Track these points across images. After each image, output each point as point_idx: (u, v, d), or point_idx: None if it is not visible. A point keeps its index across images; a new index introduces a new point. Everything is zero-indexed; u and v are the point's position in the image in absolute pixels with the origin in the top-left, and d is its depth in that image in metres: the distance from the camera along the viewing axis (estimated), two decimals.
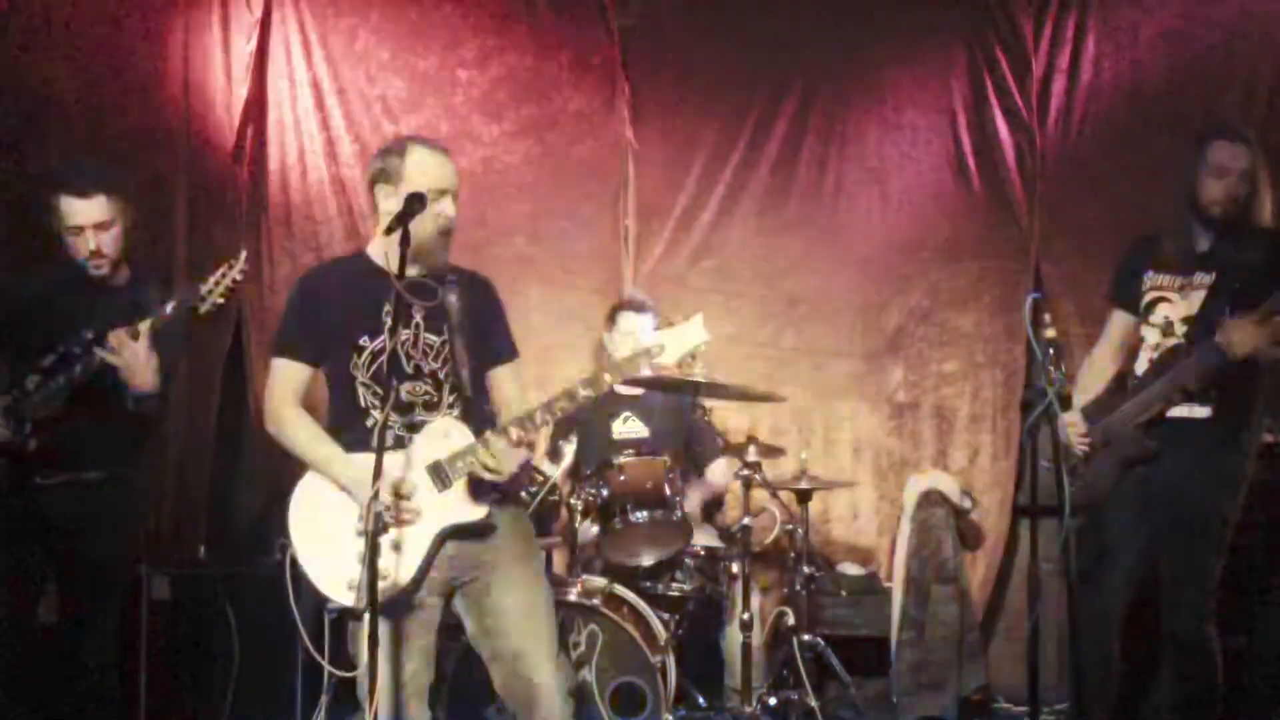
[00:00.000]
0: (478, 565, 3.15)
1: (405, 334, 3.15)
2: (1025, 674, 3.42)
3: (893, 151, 5.69)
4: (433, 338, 3.18)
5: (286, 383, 3.20)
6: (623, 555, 4.40)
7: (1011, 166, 5.55)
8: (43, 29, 5.26)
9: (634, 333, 4.89)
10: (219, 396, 5.56)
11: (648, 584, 4.46)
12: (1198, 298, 3.77)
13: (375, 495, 2.79)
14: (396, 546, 3.01)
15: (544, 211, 5.77)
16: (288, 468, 5.51)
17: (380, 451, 2.85)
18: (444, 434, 3.11)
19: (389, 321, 3.09)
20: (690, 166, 5.75)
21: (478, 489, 3.10)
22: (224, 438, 5.68)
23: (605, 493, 4.32)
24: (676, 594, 4.51)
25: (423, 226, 3.06)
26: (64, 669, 3.81)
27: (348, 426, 3.17)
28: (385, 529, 2.84)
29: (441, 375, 3.18)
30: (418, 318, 3.17)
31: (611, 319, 5.08)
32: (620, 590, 4.31)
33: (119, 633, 3.95)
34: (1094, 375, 4.01)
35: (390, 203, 3.13)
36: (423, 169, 3.13)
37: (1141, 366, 3.85)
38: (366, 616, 2.78)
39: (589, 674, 4.05)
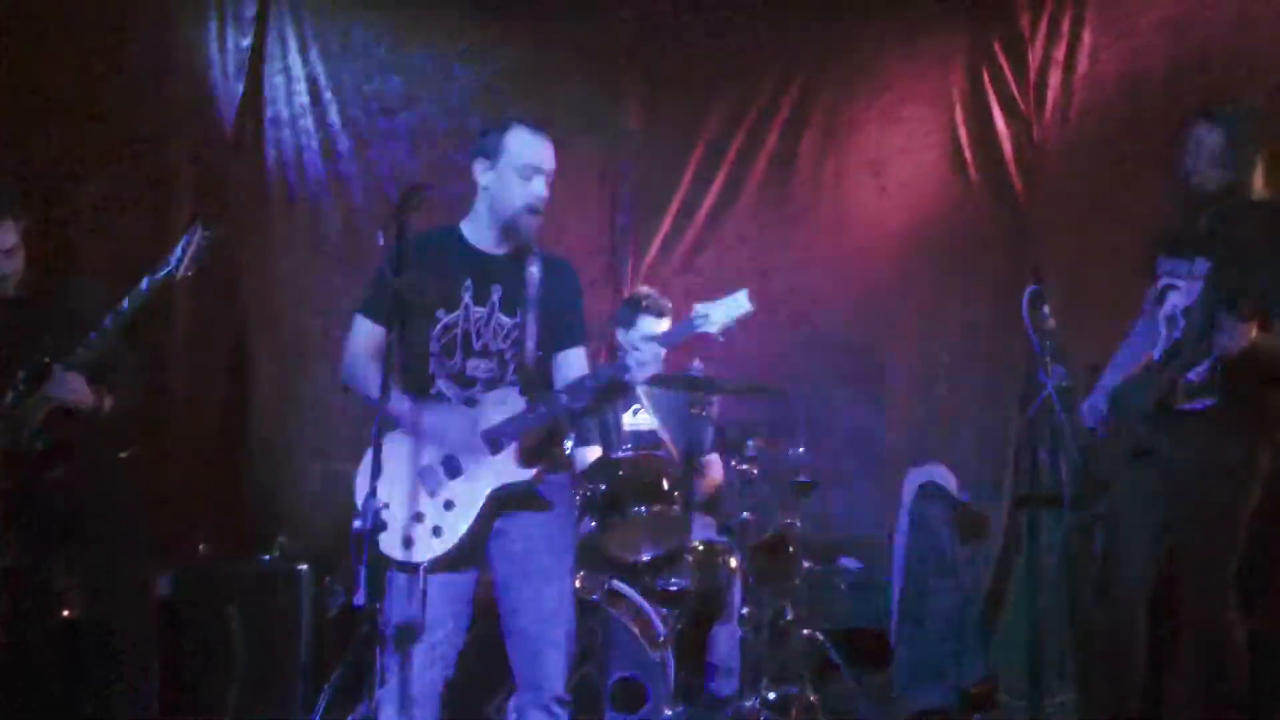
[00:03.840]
0: (518, 560, 3.21)
1: (480, 312, 3.26)
2: (1027, 665, 3.40)
3: (891, 143, 5.68)
4: (505, 319, 3.27)
5: (363, 338, 3.26)
6: (622, 550, 4.40)
7: (1009, 158, 5.54)
8: (43, 28, 5.26)
9: (657, 336, 4.88)
10: (221, 392, 5.57)
11: (647, 579, 4.47)
12: (1198, 287, 3.68)
13: (372, 492, 2.80)
14: (448, 505, 3.14)
15: None
16: (288, 465, 5.66)
17: (378, 449, 2.85)
18: (501, 402, 3.20)
19: (466, 298, 3.24)
20: (689, 158, 5.75)
21: (527, 454, 3.19)
22: (225, 434, 5.69)
23: (604, 487, 4.32)
24: (676, 589, 4.51)
25: (512, 204, 3.23)
26: (92, 661, 3.82)
27: (413, 392, 3.28)
28: (384, 527, 2.85)
29: (508, 356, 3.27)
30: (495, 297, 3.28)
31: (630, 320, 4.90)
32: (620, 586, 4.31)
33: (147, 617, 3.94)
34: (1128, 353, 3.86)
35: (487, 178, 3.27)
36: (519, 146, 3.24)
37: (1158, 355, 3.81)
38: (366, 606, 2.79)
39: (589, 669, 4.06)
